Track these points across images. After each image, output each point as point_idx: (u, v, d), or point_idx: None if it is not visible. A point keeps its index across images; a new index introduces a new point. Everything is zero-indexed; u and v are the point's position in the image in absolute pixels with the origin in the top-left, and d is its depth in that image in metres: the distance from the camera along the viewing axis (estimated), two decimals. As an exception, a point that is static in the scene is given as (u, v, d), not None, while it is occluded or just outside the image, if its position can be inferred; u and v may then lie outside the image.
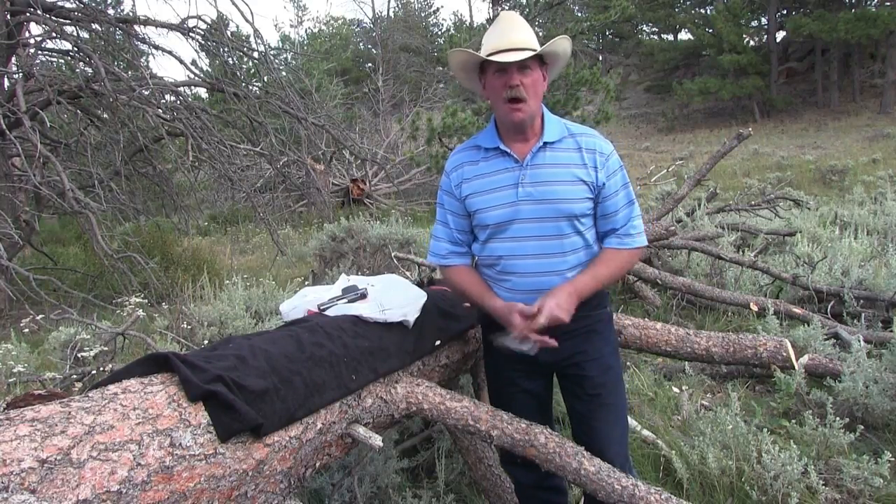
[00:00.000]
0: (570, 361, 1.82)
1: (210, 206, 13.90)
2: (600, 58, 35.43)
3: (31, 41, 6.99)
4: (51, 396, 1.41)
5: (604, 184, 1.74)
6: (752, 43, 30.04)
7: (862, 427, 2.43)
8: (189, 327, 3.81)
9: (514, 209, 1.72)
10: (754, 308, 3.82)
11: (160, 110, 6.28)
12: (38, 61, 7.43)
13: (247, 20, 9.09)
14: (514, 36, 1.68)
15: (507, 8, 10.49)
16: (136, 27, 7.01)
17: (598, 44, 37.18)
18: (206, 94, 12.81)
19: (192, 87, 8.63)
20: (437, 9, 45.40)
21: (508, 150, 1.75)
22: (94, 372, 3.02)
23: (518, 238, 1.74)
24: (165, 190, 8.60)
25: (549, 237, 1.73)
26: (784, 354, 2.65)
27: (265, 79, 8.41)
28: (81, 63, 6.88)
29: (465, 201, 1.80)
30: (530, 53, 1.66)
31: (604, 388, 1.82)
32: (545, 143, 1.73)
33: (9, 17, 6.21)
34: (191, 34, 6.95)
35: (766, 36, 30.57)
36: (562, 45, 1.74)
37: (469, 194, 1.79)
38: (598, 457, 1.71)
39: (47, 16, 6.13)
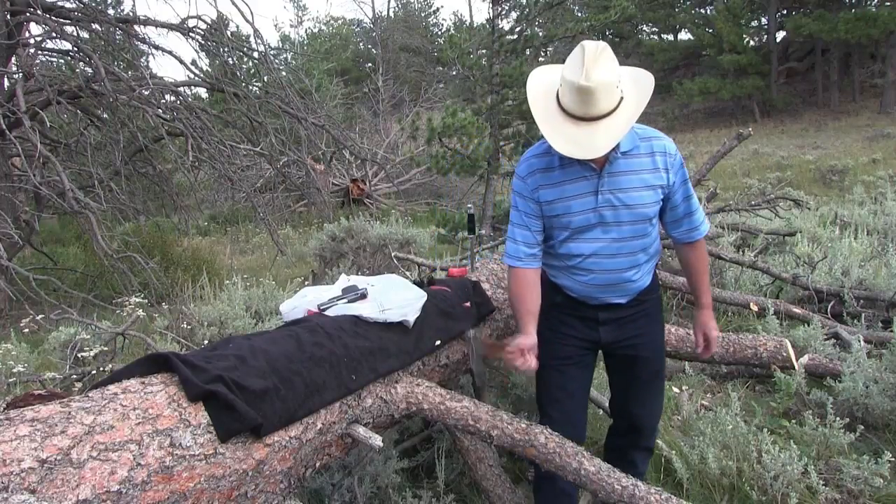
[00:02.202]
0: (628, 343, 1.95)
1: (210, 206, 13.89)
2: (600, 58, 35.30)
3: (31, 41, 6.98)
4: (51, 396, 1.41)
5: (674, 183, 1.82)
6: (752, 43, 30.01)
7: (862, 427, 2.43)
8: (189, 327, 3.81)
9: (595, 214, 1.79)
10: (754, 308, 3.82)
11: (160, 110, 6.27)
12: (38, 61, 7.43)
13: (247, 20, 9.08)
14: (596, 105, 1.62)
15: (507, 8, 10.46)
16: (136, 27, 7.00)
17: (598, 44, 37.10)
18: (206, 94, 12.79)
19: (192, 87, 8.62)
20: (437, 9, 45.36)
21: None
22: (94, 372, 3.01)
23: (599, 240, 1.82)
24: (165, 190, 8.59)
25: (626, 239, 1.82)
26: (784, 354, 2.65)
27: (265, 79, 8.40)
28: (81, 63, 6.87)
29: (543, 207, 1.84)
30: (612, 140, 1.64)
31: (655, 368, 1.99)
32: (621, 153, 1.76)
33: (9, 17, 6.20)
34: (191, 34, 6.94)
35: (766, 36, 30.56)
36: (644, 95, 1.71)
37: (547, 201, 1.82)
38: (639, 428, 2.03)
39: (47, 16, 6.12)
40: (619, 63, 1.69)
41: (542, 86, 1.77)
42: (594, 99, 1.61)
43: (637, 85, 1.72)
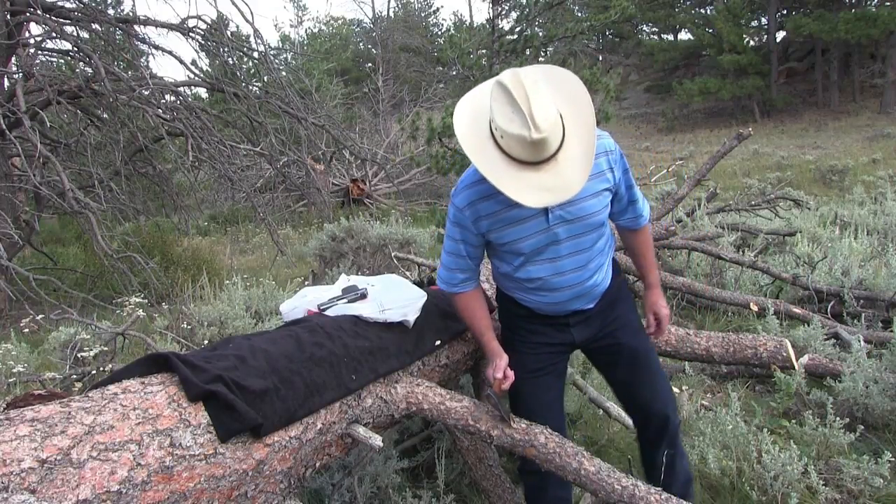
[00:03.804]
0: (604, 333, 1.90)
1: (210, 206, 13.89)
2: (600, 58, 35.39)
3: (31, 41, 6.98)
4: (51, 396, 1.41)
5: (619, 178, 1.78)
6: (752, 43, 30.02)
7: (862, 427, 2.44)
8: (189, 327, 3.81)
9: (548, 234, 1.71)
10: (754, 308, 3.82)
11: (160, 110, 6.27)
12: (38, 61, 7.43)
13: (247, 20, 9.09)
14: (550, 147, 1.49)
15: (507, 8, 10.45)
16: (136, 27, 7.00)
17: (598, 44, 37.15)
18: (206, 94, 12.80)
19: (192, 87, 8.62)
20: (437, 9, 45.40)
21: None
22: (94, 372, 3.02)
23: (556, 258, 1.76)
24: (165, 190, 8.59)
25: (583, 250, 1.77)
26: (784, 354, 2.65)
27: (265, 79, 8.40)
28: (81, 63, 6.87)
29: (489, 236, 1.75)
30: (584, 173, 1.53)
31: (639, 350, 1.91)
32: None
33: (9, 17, 6.20)
34: (191, 34, 6.94)
35: (766, 36, 30.56)
36: (587, 123, 1.56)
37: (493, 230, 1.72)
38: (655, 415, 1.89)
39: (47, 16, 6.11)
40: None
41: (470, 131, 1.60)
42: (548, 143, 1.48)
43: (562, 92, 1.56)
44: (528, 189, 1.51)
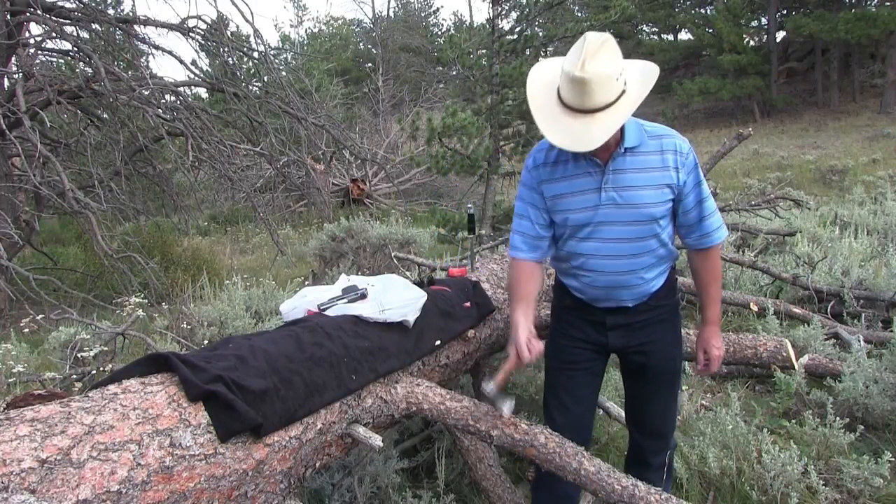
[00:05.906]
0: (638, 349, 1.90)
1: (210, 206, 13.88)
2: (600, 58, 35.26)
3: (31, 41, 6.97)
4: (51, 396, 1.41)
5: (685, 183, 1.75)
6: (752, 43, 29.98)
7: (862, 427, 2.44)
8: (189, 327, 3.81)
9: (595, 212, 1.74)
10: (754, 308, 3.82)
11: (160, 110, 6.26)
12: (38, 61, 7.42)
13: (247, 20, 9.08)
14: (592, 97, 1.56)
15: (507, 8, 10.45)
16: (136, 27, 6.99)
17: (598, 44, 37.06)
18: (206, 94, 12.80)
19: (192, 87, 8.61)
20: (437, 9, 45.37)
21: (590, 154, 1.70)
22: (94, 372, 3.01)
23: (599, 240, 1.77)
24: (165, 190, 8.58)
25: (629, 240, 1.76)
26: (784, 354, 2.65)
27: (265, 79, 8.39)
28: (81, 63, 6.86)
29: (547, 201, 1.81)
30: (606, 133, 1.57)
31: (664, 375, 1.93)
32: (626, 149, 1.70)
33: (9, 17, 6.19)
34: (191, 34, 6.93)
35: (766, 36, 30.54)
36: (640, 90, 1.63)
37: (551, 196, 1.79)
38: (652, 435, 1.97)
39: (47, 16, 6.11)
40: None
41: (545, 78, 1.71)
42: (590, 90, 1.55)
43: (641, 78, 1.66)
44: (556, 129, 1.62)
